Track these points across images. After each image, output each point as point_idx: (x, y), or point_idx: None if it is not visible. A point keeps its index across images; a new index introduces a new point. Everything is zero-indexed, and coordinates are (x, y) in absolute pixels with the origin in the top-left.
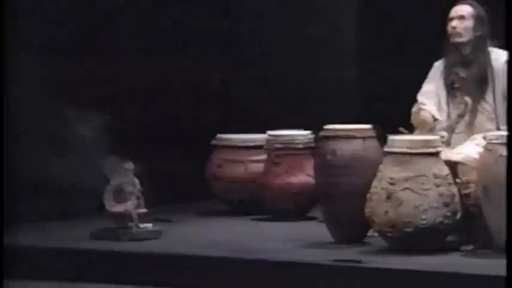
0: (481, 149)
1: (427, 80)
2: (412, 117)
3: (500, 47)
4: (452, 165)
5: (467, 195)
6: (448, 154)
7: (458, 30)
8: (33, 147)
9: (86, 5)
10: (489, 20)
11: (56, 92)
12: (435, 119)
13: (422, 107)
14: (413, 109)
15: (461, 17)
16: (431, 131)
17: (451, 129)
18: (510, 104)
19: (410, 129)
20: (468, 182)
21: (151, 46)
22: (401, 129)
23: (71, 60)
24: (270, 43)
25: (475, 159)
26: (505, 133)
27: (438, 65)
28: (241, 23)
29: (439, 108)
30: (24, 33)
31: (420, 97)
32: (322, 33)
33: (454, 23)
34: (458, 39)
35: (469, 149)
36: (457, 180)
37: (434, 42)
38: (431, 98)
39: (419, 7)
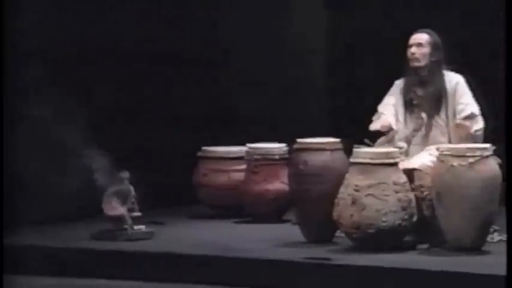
0: (434, 158)
1: (388, 95)
2: (371, 124)
3: (453, 71)
4: (410, 171)
5: (422, 198)
6: (405, 162)
7: (417, 56)
8: (37, 158)
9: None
10: (443, 46)
11: (53, 99)
12: (391, 129)
13: (382, 116)
14: (374, 117)
15: (420, 44)
16: (391, 141)
17: (408, 141)
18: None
19: (373, 140)
20: (423, 186)
21: (138, 61)
22: (366, 140)
23: (63, 70)
24: (252, 63)
25: (429, 166)
26: (455, 146)
27: (398, 83)
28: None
29: (396, 120)
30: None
31: (380, 108)
32: (294, 52)
33: (413, 49)
34: (417, 64)
35: (424, 158)
36: (413, 186)
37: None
38: (390, 110)
39: (387, 26)
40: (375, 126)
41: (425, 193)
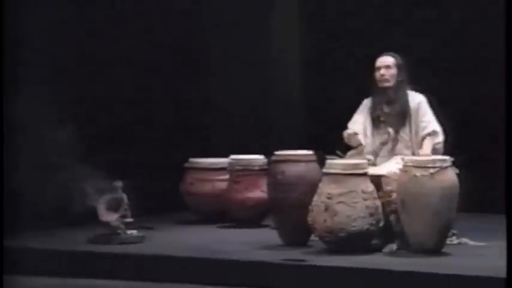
0: (400, 166)
1: (357, 112)
2: (344, 137)
3: (415, 90)
4: (378, 178)
5: (389, 202)
6: (374, 170)
7: (386, 77)
8: (36, 169)
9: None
10: (406, 67)
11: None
12: (360, 144)
13: (353, 132)
14: (344, 133)
15: (387, 67)
16: (360, 154)
17: (375, 154)
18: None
19: (344, 152)
20: (390, 191)
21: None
22: (338, 152)
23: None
24: (235, 79)
25: (395, 173)
26: (418, 157)
27: (366, 102)
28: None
29: (365, 135)
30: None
31: (350, 124)
32: (271, 69)
33: (382, 71)
34: (386, 84)
35: (391, 166)
36: (380, 193)
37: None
38: (358, 126)
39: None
40: (346, 138)
41: (393, 197)
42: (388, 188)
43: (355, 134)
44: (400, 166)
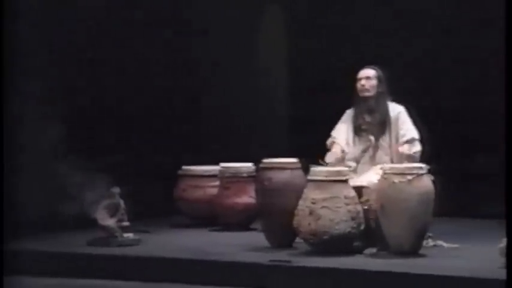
0: (379, 177)
1: (340, 122)
2: (327, 155)
3: (393, 101)
4: (359, 188)
5: (369, 210)
6: (355, 180)
7: (366, 87)
8: (38, 176)
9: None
10: (386, 79)
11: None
12: (343, 151)
13: (335, 140)
14: (328, 141)
15: (368, 78)
16: (342, 161)
17: (357, 161)
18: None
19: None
20: (370, 200)
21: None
22: (321, 161)
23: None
24: (225, 90)
25: (375, 184)
26: (396, 165)
27: (349, 112)
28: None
29: (347, 143)
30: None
31: (334, 133)
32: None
33: (363, 82)
34: (366, 94)
35: (371, 177)
36: (361, 200)
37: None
38: (341, 135)
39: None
40: (330, 159)
41: (372, 206)
42: (368, 197)
43: (337, 143)
44: (379, 177)
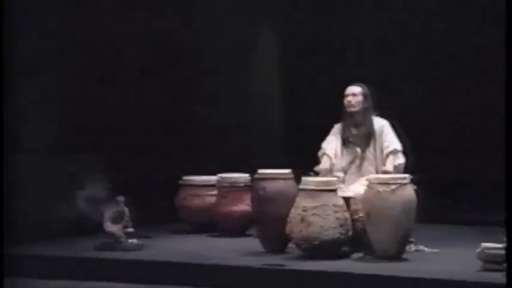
0: (365, 187)
1: (329, 135)
2: (319, 158)
3: (378, 116)
4: (347, 199)
5: (356, 219)
6: (344, 191)
7: (352, 103)
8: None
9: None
10: (371, 96)
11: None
12: (332, 162)
13: (325, 152)
14: (319, 153)
15: (354, 94)
16: (331, 172)
17: (345, 171)
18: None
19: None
20: (357, 210)
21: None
22: (311, 173)
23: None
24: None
25: (361, 194)
26: (381, 176)
27: (338, 126)
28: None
29: (336, 154)
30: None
31: (324, 144)
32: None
33: (349, 98)
34: (353, 109)
35: (357, 188)
36: (349, 209)
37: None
38: (331, 147)
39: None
40: (320, 169)
41: (358, 215)
42: (355, 207)
43: (327, 155)
44: (365, 187)
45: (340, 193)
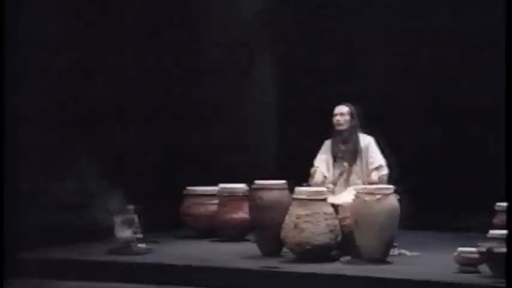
0: (353, 196)
1: (320, 152)
2: (310, 174)
3: (365, 133)
4: (336, 206)
5: (345, 226)
6: (333, 200)
7: (341, 122)
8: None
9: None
10: (358, 115)
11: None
12: (324, 176)
13: (318, 169)
14: (311, 170)
15: (342, 114)
16: (323, 184)
17: (334, 183)
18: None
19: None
20: (345, 217)
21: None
22: (304, 184)
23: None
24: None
25: (349, 203)
26: (367, 186)
27: (328, 142)
28: None
29: (328, 169)
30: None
31: (316, 162)
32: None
33: (338, 117)
34: (341, 128)
35: (346, 197)
36: (338, 216)
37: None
38: (323, 163)
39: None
40: (314, 182)
41: (347, 221)
42: (344, 214)
43: (319, 171)
44: (353, 196)
45: (331, 200)
